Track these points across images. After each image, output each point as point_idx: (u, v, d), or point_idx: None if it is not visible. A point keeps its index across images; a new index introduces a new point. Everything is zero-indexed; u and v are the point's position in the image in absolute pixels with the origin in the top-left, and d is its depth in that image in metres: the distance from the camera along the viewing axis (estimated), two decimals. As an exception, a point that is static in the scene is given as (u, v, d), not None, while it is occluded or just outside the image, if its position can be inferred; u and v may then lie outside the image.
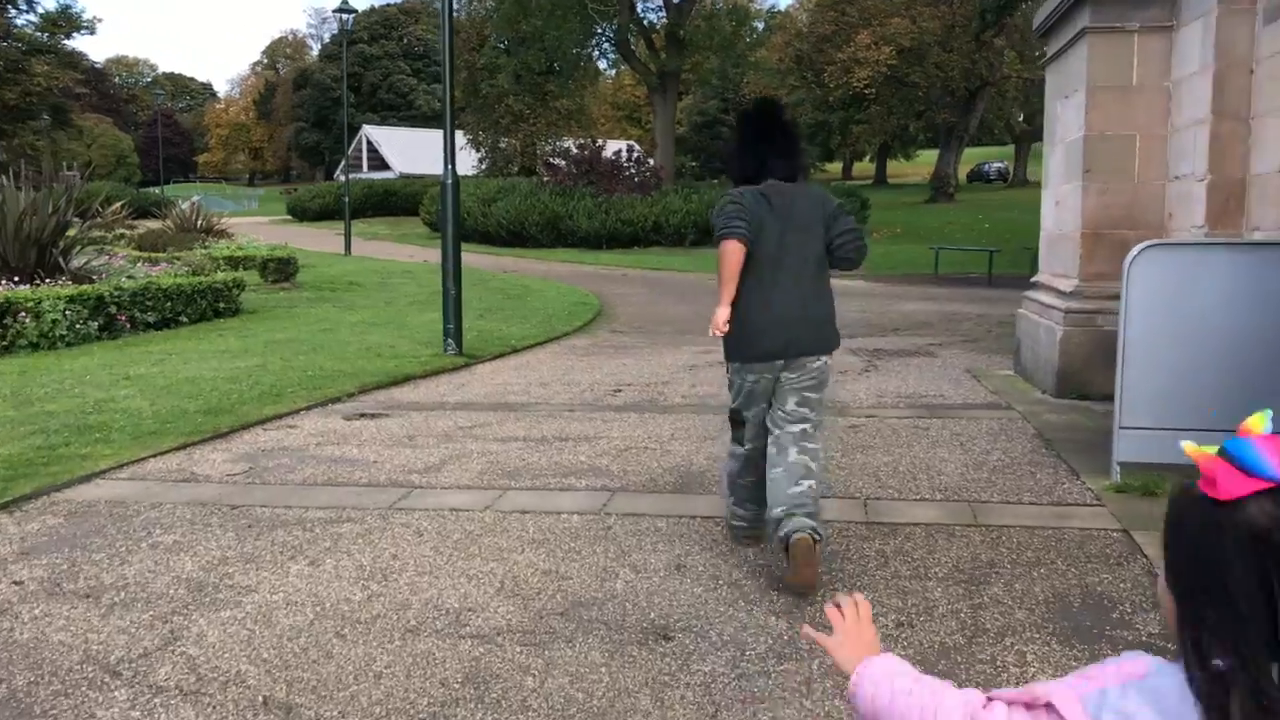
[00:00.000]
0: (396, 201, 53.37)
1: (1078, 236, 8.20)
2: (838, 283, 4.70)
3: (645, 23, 40.50)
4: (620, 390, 8.24)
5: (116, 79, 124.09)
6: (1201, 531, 1.16)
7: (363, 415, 7.45)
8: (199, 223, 24.80)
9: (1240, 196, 7.00)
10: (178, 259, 21.03)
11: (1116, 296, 8.14)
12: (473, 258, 28.37)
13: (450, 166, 9.54)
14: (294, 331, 11.84)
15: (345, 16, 27.81)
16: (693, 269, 23.39)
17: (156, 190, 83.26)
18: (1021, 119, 63.31)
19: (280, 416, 7.36)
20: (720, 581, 4.04)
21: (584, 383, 8.55)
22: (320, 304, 15.24)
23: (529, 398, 7.96)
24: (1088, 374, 7.96)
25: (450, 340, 9.66)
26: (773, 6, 66.27)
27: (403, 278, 20.42)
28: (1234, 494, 1.13)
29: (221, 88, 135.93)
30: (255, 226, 47.07)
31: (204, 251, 21.86)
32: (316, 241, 33.11)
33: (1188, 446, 1.21)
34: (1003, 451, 6.07)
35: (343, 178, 72.68)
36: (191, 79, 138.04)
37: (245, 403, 7.69)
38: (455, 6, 47.98)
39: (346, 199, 30.17)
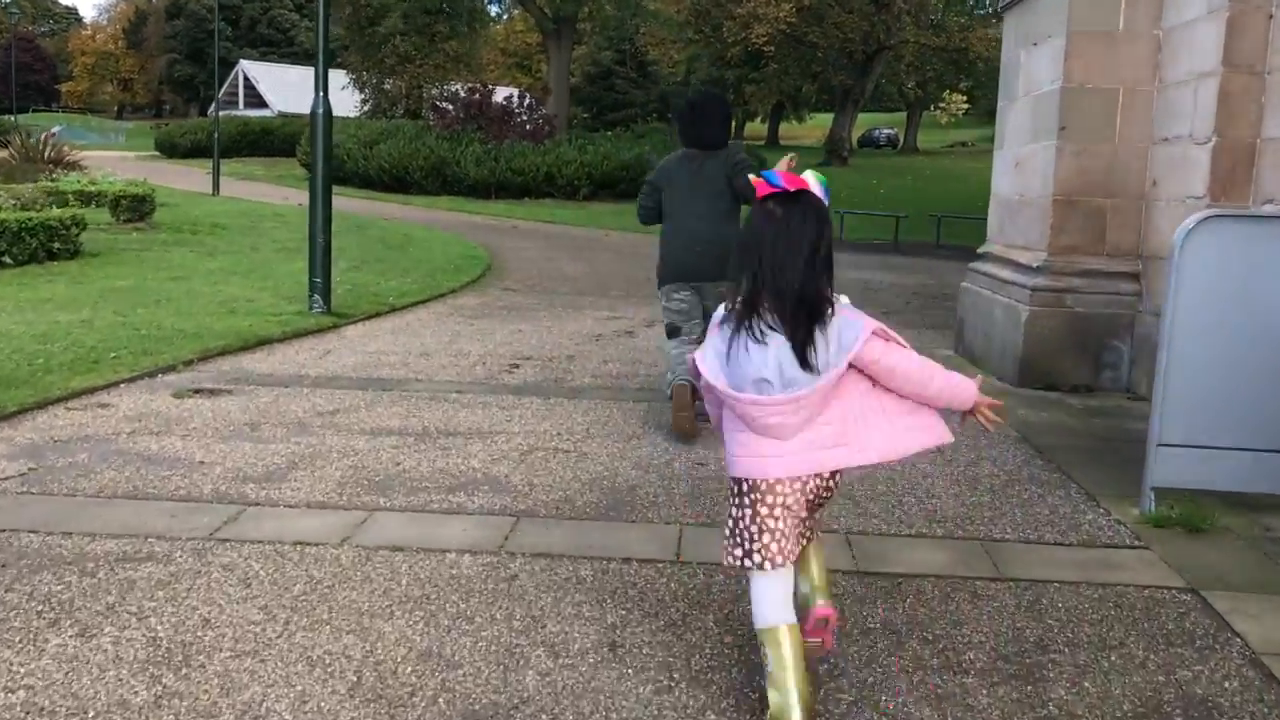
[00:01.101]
0: (273, 141, 50.48)
1: (1047, 204, 7.18)
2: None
3: (542, -37, 38.57)
4: (518, 365, 6.94)
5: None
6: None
7: (198, 392, 5.99)
8: (47, 153, 22.37)
9: (1249, 163, 6.03)
10: (9, 191, 18.84)
11: (1090, 274, 7.20)
12: (351, 203, 26.46)
13: (322, 94, 8.03)
14: (138, 279, 10.15)
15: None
16: (588, 223, 22.07)
17: (9, 118, 77.89)
18: (913, 85, 63.27)
19: (92, 391, 5.86)
20: (675, 674, 2.82)
21: (474, 353, 7.21)
22: (177, 248, 13.48)
23: (407, 371, 6.60)
24: (1056, 361, 6.98)
25: (317, 296, 8.21)
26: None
27: (273, 220, 18.62)
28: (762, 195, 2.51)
29: (88, 13, 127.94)
30: (119, 161, 43.82)
31: (50, 184, 19.64)
32: (184, 180, 30.67)
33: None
34: (992, 462, 4.99)
35: (217, 113, 69.10)
36: (55, 2, 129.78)
37: (50, 371, 6.15)
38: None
39: (216, 135, 27.83)
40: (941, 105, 78.01)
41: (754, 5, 46.14)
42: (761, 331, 2.50)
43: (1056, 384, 6.90)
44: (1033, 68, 7.73)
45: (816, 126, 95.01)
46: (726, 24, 48.71)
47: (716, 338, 2.61)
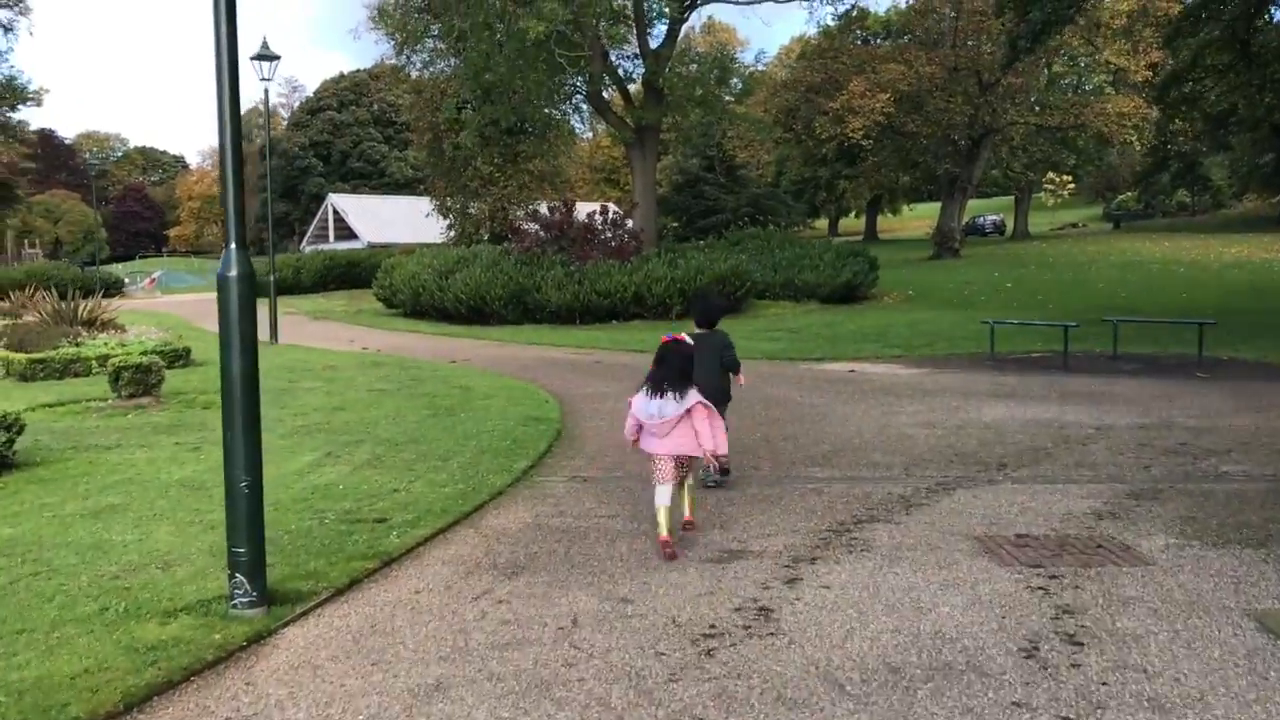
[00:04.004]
0: (360, 273, 49.02)
1: None
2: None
3: (620, 72, 36.46)
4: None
5: (87, 154, 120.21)
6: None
7: None
8: (82, 314, 20.27)
9: None
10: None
11: None
12: (421, 342, 23.85)
13: (234, 245, 4.96)
14: (37, 521, 7.01)
15: (264, 79, 23.47)
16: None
17: (118, 267, 79.03)
18: (1021, 168, 59.67)
19: None
20: None
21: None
22: (159, 437, 10.70)
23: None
24: None
25: (240, 580, 4.91)
26: (750, 67, 62.56)
27: (316, 379, 15.90)
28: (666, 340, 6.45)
29: (194, 160, 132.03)
30: (196, 305, 42.63)
31: (73, 349, 17.40)
32: (248, 325, 28.49)
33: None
34: None
35: (308, 248, 68.78)
36: (164, 152, 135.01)
37: None
38: (417, 68, 44.32)
39: (273, 277, 25.60)
40: (1050, 187, 74.13)
41: (848, 98, 43.54)
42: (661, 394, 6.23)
43: None
44: None
45: (914, 219, 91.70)
46: (818, 120, 46.19)
47: (642, 397, 6.35)
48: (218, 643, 4.50)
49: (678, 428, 6.11)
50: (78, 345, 17.86)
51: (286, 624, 4.87)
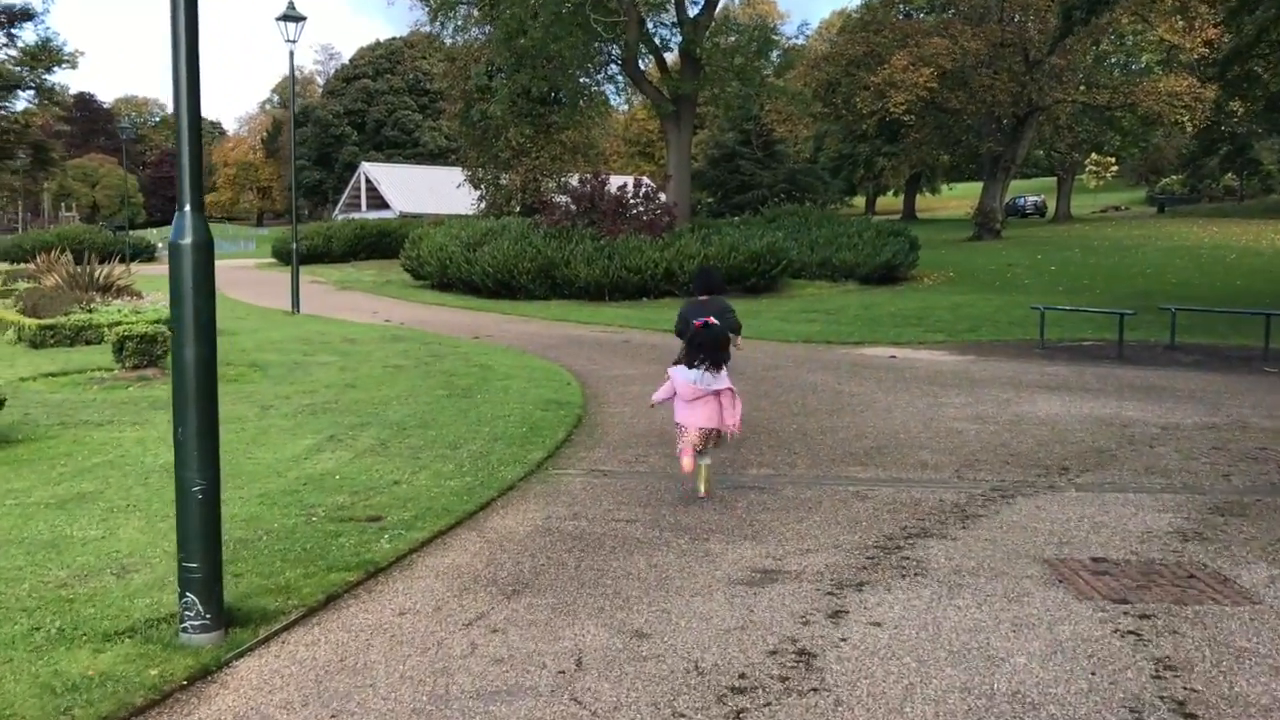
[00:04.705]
0: (390, 243, 48.26)
1: None
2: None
3: (656, 41, 35.44)
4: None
5: (123, 120, 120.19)
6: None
7: None
8: (100, 279, 19.73)
9: None
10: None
11: None
12: (445, 316, 23.14)
13: (188, 208, 4.20)
14: (3, 510, 6.44)
15: (291, 37, 22.74)
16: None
17: (153, 232, 78.94)
18: (1066, 148, 58.07)
19: None
20: None
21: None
22: (155, 413, 10.05)
23: None
24: None
25: (191, 599, 4.16)
26: (792, 39, 60.96)
27: (332, 353, 15.26)
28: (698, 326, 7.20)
29: (231, 126, 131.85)
30: (223, 271, 42.20)
31: (85, 315, 16.85)
32: (275, 295, 28.02)
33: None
34: None
35: (340, 217, 68.36)
36: (201, 118, 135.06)
37: None
38: (450, 35, 43.52)
39: (294, 246, 25.02)
40: (1094, 169, 72.38)
41: (890, 73, 42.28)
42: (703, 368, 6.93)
43: None
44: None
45: (952, 198, 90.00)
46: (860, 95, 44.93)
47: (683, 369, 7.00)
48: (152, 682, 3.77)
49: (708, 403, 6.91)
50: (90, 311, 17.30)
51: (241, 654, 4.15)
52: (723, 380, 6.92)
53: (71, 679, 3.79)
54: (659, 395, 7.24)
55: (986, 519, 6.38)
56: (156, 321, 14.20)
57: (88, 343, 16.13)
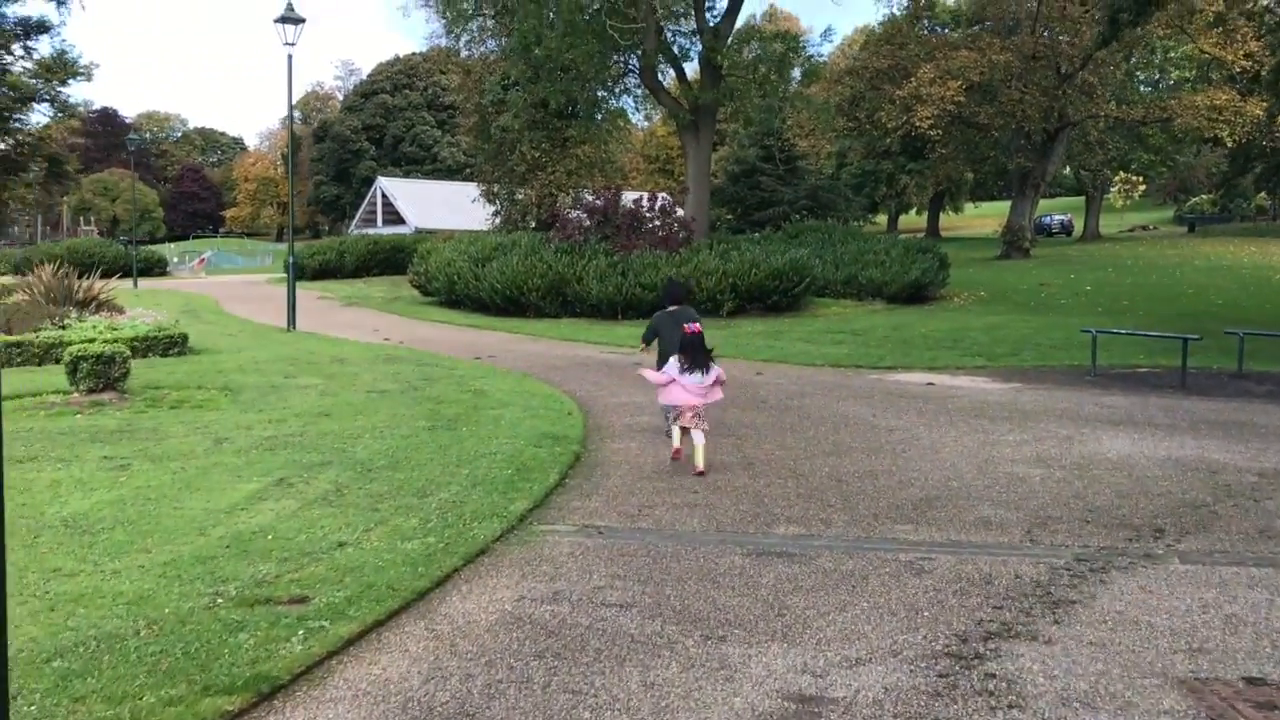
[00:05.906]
0: (403, 259, 46.99)
1: None
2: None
3: (676, 49, 34.19)
4: None
5: (136, 135, 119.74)
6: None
7: None
8: (77, 294, 18.53)
9: None
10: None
11: None
12: (447, 334, 21.81)
13: None
14: None
15: (290, 39, 21.55)
16: (733, 352, 16.77)
17: (171, 246, 78.19)
18: (1096, 165, 56.42)
19: None
20: None
21: None
22: (90, 447, 8.76)
23: None
24: None
25: None
26: (815, 49, 59.44)
27: (317, 376, 13.94)
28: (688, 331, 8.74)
29: (252, 141, 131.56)
30: (235, 286, 41.18)
31: (56, 332, 15.65)
32: (276, 309, 26.82)
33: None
34: None
35: (356, 231, 67.35)
36: (223, 133, 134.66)
37: None
38: (464, 47, 42.44)
39: (290, 260, 23.84)
40: (1124, 187, 70.69)
41: (916, 86, 40.87)
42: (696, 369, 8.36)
43: None
44: None
45: (975, 216, 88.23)
46: (885, 108, 43.53)
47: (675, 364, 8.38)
48: None
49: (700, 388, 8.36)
50: (63, 328, 16.08)
51: None
52: (713, 372, 8.39)
53: None
54: (653, 377, 8.62)
55: (1082, 607, 4.97)
56: (113, 341, 12.93)
57: (57, 361, 14.85)
